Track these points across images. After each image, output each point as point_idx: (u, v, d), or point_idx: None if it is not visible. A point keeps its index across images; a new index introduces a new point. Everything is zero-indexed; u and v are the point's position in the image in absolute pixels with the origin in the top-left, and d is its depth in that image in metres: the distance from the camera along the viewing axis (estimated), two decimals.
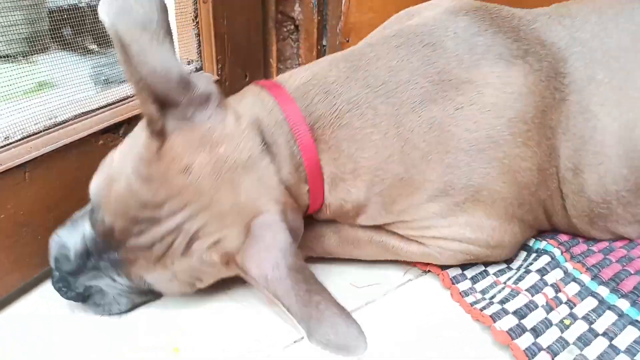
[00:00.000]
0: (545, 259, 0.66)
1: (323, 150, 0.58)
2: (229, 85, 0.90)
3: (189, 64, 0.88)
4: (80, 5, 0.92)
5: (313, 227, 0.67)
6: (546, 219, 0.68)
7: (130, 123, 0.77)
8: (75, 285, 0.57)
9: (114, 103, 0.76)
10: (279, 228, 0.51)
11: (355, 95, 0.58)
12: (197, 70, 0.87)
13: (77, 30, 0.77)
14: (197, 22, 0.85)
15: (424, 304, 0.64)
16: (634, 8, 0.65)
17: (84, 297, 0.59)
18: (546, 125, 0.61)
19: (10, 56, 0.84)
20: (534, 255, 0.68)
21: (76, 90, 0.74)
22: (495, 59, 0.59)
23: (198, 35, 0.86)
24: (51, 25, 0.85)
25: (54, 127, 0.68)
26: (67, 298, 0.58)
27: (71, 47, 0.77)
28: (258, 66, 0.89)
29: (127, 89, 0.78)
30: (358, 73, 0.59)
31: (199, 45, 0.87)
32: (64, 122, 0.69)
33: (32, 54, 0.93)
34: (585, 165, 0.62)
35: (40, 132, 0.66)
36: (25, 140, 0.64)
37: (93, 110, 0.73)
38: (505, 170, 0.59)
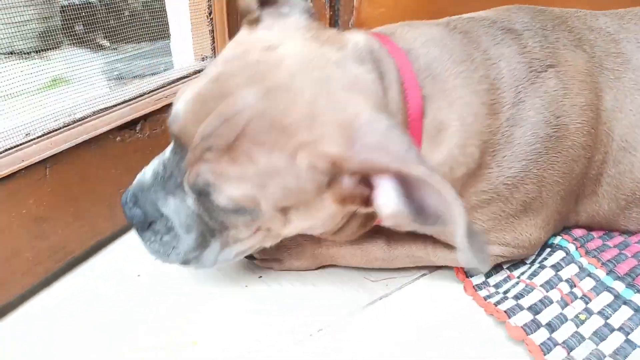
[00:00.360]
0: (559, 255, 0.66)
1: (427, 99, 0.54)
2: None
3: (203, 60, 0.88)
4: (92, 1, 0.93)
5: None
6: (574, 206, 0.67)
7: (147, 119, 0.78)
8: (144, 202, 0.52)
9: (130, 100, 0.76)
10: (390, 123, 0.43)
11: (460, 52, 0.57)
12: None
13: (89, 27, 0.79)
14: (212, 19, 0.86)
15: (438, 297, 0.65)
16: None
17: (144, 222, 0.52)
18: (603, 109, 0.62)
19: (24, 52, 0.85)
20: (548, 250, 0.68)
21: (90, 86, 0.75)
22: (564, 46, 0.61)
23: (212, 31, 0.87)
24: (64, 22, 0.86)
25: (72, 123, 0.69)
26: (130, 217, 0.53)
27: (83, 44, 0.78)
28: None
29: (143, 86, 0.79)
30: (453, 37, 0.58)
31: (213, 42, 0.88)
32: (83, 119, 0.70)
33: (45, 50, 0.94)
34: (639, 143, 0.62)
35: (60, 128, 0.67)
36: (45, 136, 0.66)
37: (110, 107, 0.73)
38: (569, 159, 0.59)
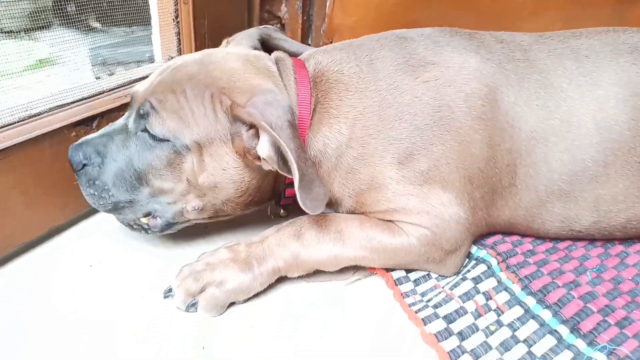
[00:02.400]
0: (481, 268, 0.70)
1: (317, 85, 0.70)
2: None
3: (169, 60, 0.91)
4: None
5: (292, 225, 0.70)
6: (492, 200, 0.71)
7: (104, 116, 0.81)
8: (86, 147, 0.66)
9: (89, 97, 0.79)
10: (280, 96, 0.63)
11: (346, 56, 0.71)
12: None
13: (80, 7, 0.80)
14: (178, 22, 0.89)
15: (370, 301, 0.69)
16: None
17: (79, 163, 0.66)
18: (501, 101, 0.69)
19: (13, 32, 0.87)
20: (473, 262, 0.72)
21: (75, 70, 0.77)
22: (454, 49, 0.71)
23: (178, 34, 0.90)
24: (55, 2, 0.87)
25: (28, 118, 0.72)
26: (69, 156, 0.66)
27: (74, 24, 0.79)
28: None
29: (101, 84, 0.82)
30: (349, 48, 0.73)
31: (179, 44, 0.90)
32: (39, 114, 0.73)
33: (34, 30, 0.95)
34: (551, 134, 0.69)
35: (15, 122, 0.70)
36: (1, 129, 0.68)
37: (67, 104, 0.76)
38: (460, 139, 0.67)
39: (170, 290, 0.66)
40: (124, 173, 0.65)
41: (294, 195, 0.66)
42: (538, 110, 0.69)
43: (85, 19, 0.83)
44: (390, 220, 0.68)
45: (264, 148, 0.60)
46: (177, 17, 0.89)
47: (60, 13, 0.80)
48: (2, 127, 0.68)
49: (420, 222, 0.66)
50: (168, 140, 0.63)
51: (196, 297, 0.65)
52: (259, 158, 0.63)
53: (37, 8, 0.85)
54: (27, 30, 0.96)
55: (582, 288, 0.69)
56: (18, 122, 0.70)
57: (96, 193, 0.66)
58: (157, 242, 0.78)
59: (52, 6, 0.89)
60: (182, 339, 0.61)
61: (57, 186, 0.76)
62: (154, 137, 0.63)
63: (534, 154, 0.69)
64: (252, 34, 0.79)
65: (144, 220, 0.70)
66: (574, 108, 0.69)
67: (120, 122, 0.68)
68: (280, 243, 0.67)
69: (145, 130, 0.64)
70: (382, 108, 0.67)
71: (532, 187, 0.70)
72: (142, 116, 0.64)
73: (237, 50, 0.71)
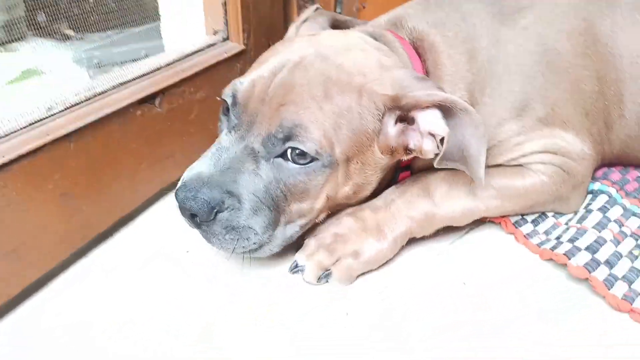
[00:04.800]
0: (603, 198, 0.67)
1: (424, 53, 0.63)
2: (254, 54, 0.88)
3: (215, 34, 0.85)
4: None
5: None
6: (606, 134, 0.69)
7: (164, 93, 0.74)
8: (207, 191, 0.51)
9: (147, 73, 0.72)
10: (414, 72, 0.57)
11: (438, 17, 0.65)
12: (224, 40, 0.85)
13: (52, 16, 0.73)
14: None
15: (488, 250, 0.64)
16: None
17: (210, 212, 0.51)
18: (600, 32, 0.66)
19: None
20: (590, 196, 0.69)
21: (66, 76, 0.71)
22: None
23: (225, 4, 0.84)
24: (27, 12, 0.81)
25: (93, 97, 0.65)
26: (196, 209, 0.51)
27: (49, 34, 0.73)
28: (280, 36, 0.87)
29: (157, 60, 0.75)
30: (431, 7, 0.67)
31: (226, 15, 0.84)
32: (103, 93, 0.66)
33: (10, 42, 0.88)
34: None
35: (82, 102, 0.63)
36: (68, 110, 0.61)
37: (129, 81, 0.69)
38: (571, 79, 0.64)
39: (296, 265, 0.60)
40: (262, 206, 0.54)
41: (405, 178, 0.66)
42: (636, 34, 0.67)
43: (58, 28, 0.78)
44: (516, 165, 0.65)
45: (437, 125, 0.52)
46: None
47: (33, 24, 0.73)
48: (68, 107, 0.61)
49: (549, 160, 0.63)
50: (317, 160, 0.53)
51: (330, 268, 0.59)
52: (406, 151, 0.56)
53: (10, 20, 0.79)
54: (2, 43, 0.90)
55: None
56: (85, 100, 0.63)
57: (238, 237, 0.54)
58: None
59: (25, 16, 0.84)
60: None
61: (126, 170, 0.69)
62: (298, 160, 0.53)
63: (639, 78, 0.67)
64: (321, 16, 0.71)
65: None
66: None
67: (229, 144, 0.54)
68: (410, 204, 0.61)
69: (282, 154, 0.53)
70: (492, 64, 0.63)
71: None
72: (283, 139, 0.52)
73: (339, 37, 0.62)
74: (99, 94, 0.65)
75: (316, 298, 0.58)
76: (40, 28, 0.72)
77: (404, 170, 0.66)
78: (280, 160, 0.53)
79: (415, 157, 0.58)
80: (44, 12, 0.72)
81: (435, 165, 0.55)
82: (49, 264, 0.61)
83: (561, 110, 0.64)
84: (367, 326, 0.54)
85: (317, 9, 0.73)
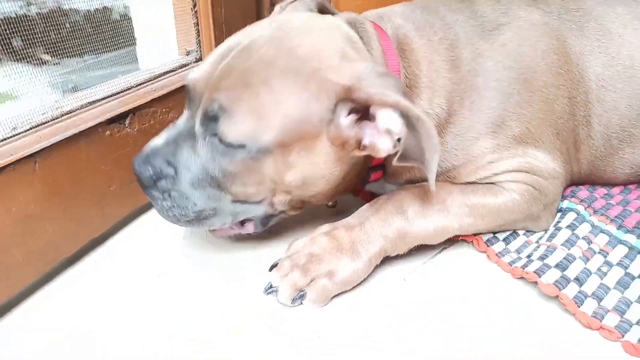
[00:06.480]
0: (571, 216, 0.68)
1: (404, 53, 0.63)
2: None
3: (187, 55, 0.85)
4: (30, 14, 0.87)
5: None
6: (574, 154, 0.71)
7: (135, 113, 0.73)
8: (154, 160, 0.56)
9: (118, 93, 0.71)
10: (381, 68, 0.55)
11: (424, 20, 0.66)
12: (197, 60, 0.85)
13: (29, 42, 0.73)
14: (196, 11, 0.83)
15: (461, 269, 0.65)
16: None
17: (150, 179, 0.56)
18: (571, 53, 0.69)
19: None
20: (559, 214, 0.70)
21: (41, 100, 0.69)
22: (518, 6, 0.69)
23: (197, 24, 0.84)
24: (3, 37, 0.80)
25: (60, 116, 0.63)
26: (137, 172, 0.57)
27: (24, 59, 0.72)
28: None
29: (129, 80, 0.74)
30: (418, 10, 0.67)
31: (198, 35, 0.84)
32: (70, 112, 0.65)
33: None
34: (617, 80, 0.69)
35: (48, 121, 0.62)
36: (33, 129, 0.60)
37: (98, 100, 0.68)
38: (545, 97, 0.65)
39: (270, 286, 0.59)
40: (202, 182, 0.56)
41: (377, 179, 0.66)
42: (602, 58, 0.69)
43: (34, 53, 0.77)
44: (488, 183, 0.65)
45: (394, 125, 0.51)
46: (195, 5, 0.83)
47: (9, 49, 0.73)
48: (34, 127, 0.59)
49: (522, 179, 0.64)
50: (244, 146, 0.53)
51: (304, 289, 0.58)
52: (358, 146, 0.54)
53: None
54: None
55: None
56: (51, 120, 0.61)
57: (175, 205, 0.57)
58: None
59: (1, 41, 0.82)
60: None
61: (94, 192, 0.67)
62: (226, 143, 0.53)
63: (605, 102, 0.69)
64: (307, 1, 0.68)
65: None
66: (634, 52, 0.69)
67: (182, 123, 0.57)
68: (384, 222, 0.61)
69: (215, 134, 0.53)
70: (473, 77, 0.63)
71: (606, 136, 0.70)
72: (210, 118, 0.53)
73: (310, 19, 0.60)
74: (66, 113, 0.64)
75: None
76: (16, 52, 0.70)
77: (376, 169, 0.65)
78: (214, 140, 0.54)
79: (388, 156, 0.56)
80: (20, 38, 0.71)
81: (394, 163, 0.54)
82: (12, 289, 0.59)
83: (535, 129, 0.65)
84: (367, 326, 0.54)
85: None
